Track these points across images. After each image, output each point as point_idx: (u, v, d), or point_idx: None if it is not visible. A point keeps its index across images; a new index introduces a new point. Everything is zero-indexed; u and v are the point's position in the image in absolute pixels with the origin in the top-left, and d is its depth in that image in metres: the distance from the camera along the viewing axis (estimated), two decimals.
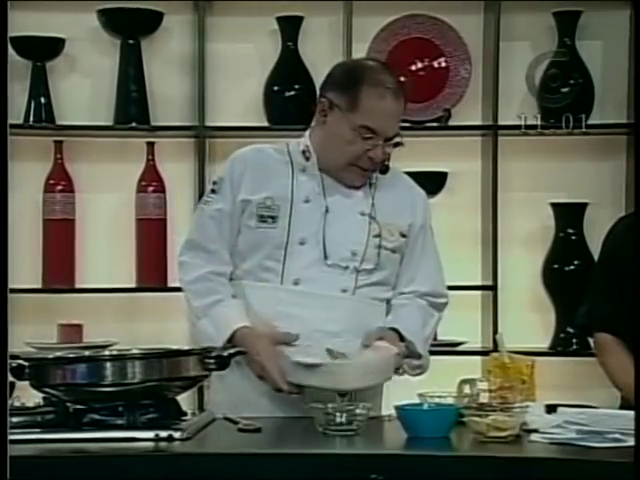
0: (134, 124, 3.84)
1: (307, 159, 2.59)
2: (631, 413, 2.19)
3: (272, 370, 2.45)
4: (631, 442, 2.02)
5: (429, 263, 2.66)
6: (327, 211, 2.56)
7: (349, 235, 2.56)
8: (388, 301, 2.64)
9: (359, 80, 2.52)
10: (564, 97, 3.84)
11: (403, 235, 2.61)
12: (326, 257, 2.54)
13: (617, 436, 2.06)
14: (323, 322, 2.51)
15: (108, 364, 2.16)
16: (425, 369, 2.59)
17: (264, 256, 2.55)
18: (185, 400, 2.33)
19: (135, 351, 2.23)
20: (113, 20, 3.84)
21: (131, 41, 3.85)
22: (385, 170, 2.60)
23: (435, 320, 2.66)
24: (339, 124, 2.53)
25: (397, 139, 2.55)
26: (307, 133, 2.64)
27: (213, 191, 2.62)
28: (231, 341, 2.49)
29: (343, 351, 2.44)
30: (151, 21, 3.86)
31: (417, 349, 2.54)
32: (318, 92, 2.64)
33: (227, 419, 2.33)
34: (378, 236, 2.57)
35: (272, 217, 2.55)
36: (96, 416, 2.15)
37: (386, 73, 2.56)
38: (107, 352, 2.29)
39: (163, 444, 2.07)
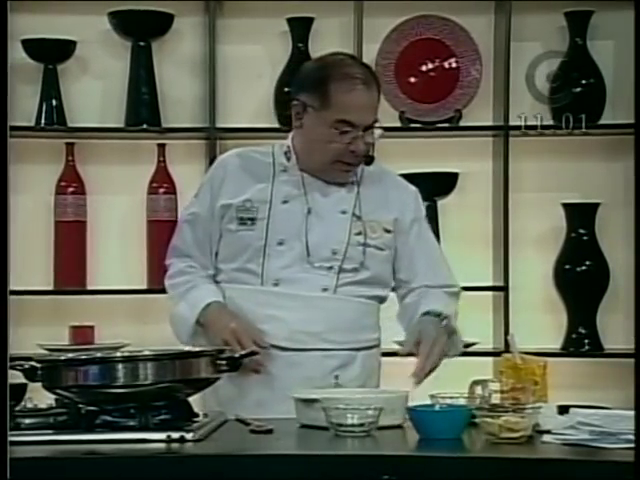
0: (145, 126, 3.84)
1: (288, 159, 2.61)
2: None
3: (242, 332, 2.46)
4: None
5: (429, 256, 2.65)
6: (309, 212, 2.57)
7: (330, 234, 2.57)
8: (382, 300, 2.63)
9: (327, 77, 2.52)
10: (575, 97, 3.83)
11: (387, 231, 2.60)
12: (309, 257, 2.54)
13: (630, 437, 2.05)
14: (304, 323, 2.51)
15: (120, 366, 2.16)
16: (460, 347, 2.57)
17: (245, 259, 2.56)
18: (197, 401, 2.33)
19: (147, 352, 2.22)
20: (124, 22, 3.84)
21: (142, 43, 3.86)
22: (370, 161, 2.59)
23: (454, 302, 2.64)
24: (315, 124, 2.54)
25: (377, 129, 2.55)
26: (290, 135, 2.65)
27: (195, 196, 2.67)
28: (202, 318, 2.54)
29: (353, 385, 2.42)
30: (162, 23, 3.87)
31: (452, 323, 2.52)
32: (291, 95, 2.63)
33: (239, 420, 2.33)
34: (360, 234, 2.57)
35: (251, 219, 2.56)
36: (108, 417, 2.15)
37: (353, 65, 2.56)
38: (119, 354, 2.29)
39: (175, 445, 2.07)
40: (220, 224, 2.59)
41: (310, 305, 2.52)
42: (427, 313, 2.53)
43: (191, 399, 2.27)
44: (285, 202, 2.57)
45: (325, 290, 2.55)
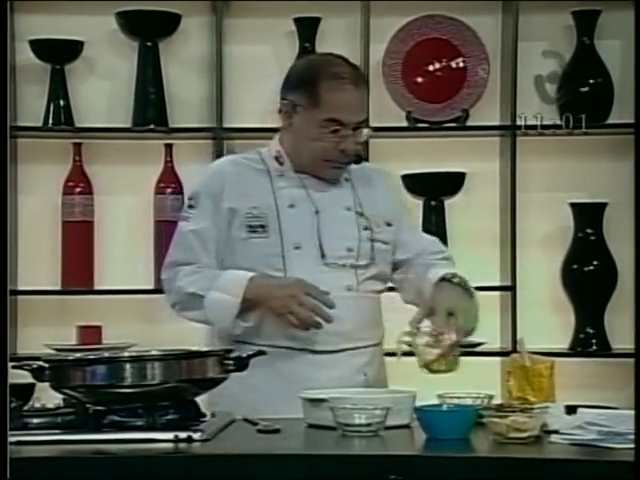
0: (152, 126, 3.85)
1: (281, 164, 2.60)
2: None
3: (298, 291, 2.42)
4: None
5: (416, 229, 2.80)
6: (317, 212, 2.57)
7: (342, 232, 2.57)
8: (379, 292, 2.64)
9: (316, 76, 2.53)
10: (583, 97, 3.83)
11: (388, 224, 2.62)
12: (323, 257, 2.54)
13: None
14: (335, 324, 2.49)
15: (127, 365, 2.16)
16: (477, 316, 2.54)
17: (263, 267, 2.53)
18: (204, 401, 2.33)
19: (154, 352, 2.22)
20: (131, 23, 3.85)
21: (149, 43, 3.86)
22: (359, 161, 2.61)
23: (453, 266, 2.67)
24: (305, 123, 2.55)
25: (365, 129, 2.57)
26: (277, 137, 2.65)
27: (190, 207, 2.60)
28: (249, 293, 2.47)
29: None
30: (169, 23, 3.87)
31: (469, 285, 2.51)
32: (279, 95, 2.63)
33: (246, 420, 2.33)
34: (367, 229, 2.59)
35: (262, 226, 2.55)
36: (115, 417, 2.15)
37: (342, 64, 2.58)
38: (126, 353, 2.29)
39: (182, 445, 2.07)
40: (229, 231, 2.56)
41: (339, 305, 2.49)
42: (440, 279, 2.51)
43: (199, 399, 2.27)
44: (292, 206, 2.57)
45: (349, 289, 2.55)
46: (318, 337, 2.52)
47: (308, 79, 2.55)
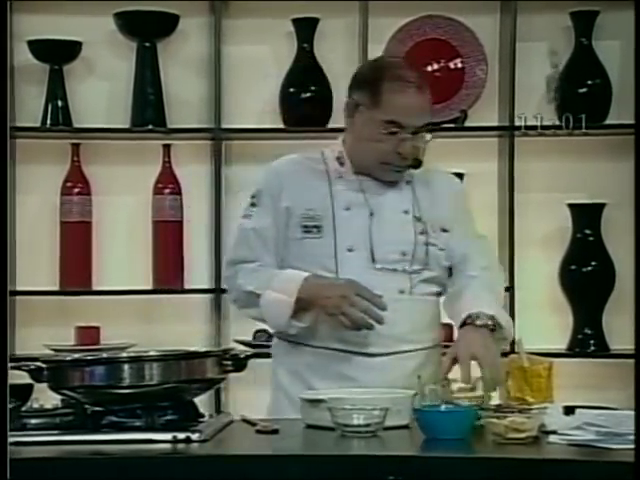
0: (150, 126, 3.85)
1: (342, 164, 2.61)
2: None
3: (350, 293, 2.41)
4: None
5: (479, 243, 2.67)
6: (372, 215, 2.57)
7: (397, 236, 2.57)
8: (435, 295, 2.62)
9: (380, 77, 2.55)
10: (581, 97, 3.83)
11: (444, 230, 2.61)
12: (374, 261, 2.54)
13: None
14: (389, 327, 2.48)
15: (126, 366, 2.16)
16: (510, 337, 2.52)
17: (316, 267, 2.54)
18: (203, 402, 2.33)
19: (152, 353, 2.22)
20: (129, 23, 3.84)
21: (147, 44, 3.86)
22: (417, 165, 2.59)
23: (500, 287, 2.64)
24: (365, 122, 2.55)
25: (427, 134, 2.56)
26: (340, 138, 2.66)
27: (253, 205, 2.62)
28: (303, 293, 2.46)
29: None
30: (167, 24, 3.87)
31: (500, 320, 2.47)
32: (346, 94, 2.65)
33: (245, 420, 2.33)
34: (423, 233, 2.58)
35: (316, 227, 2.56)
36: (114, 418, 2.15)
37: (407, 69, 2.59)
38: (125, 354, 2.29)
39: (181, 446, 2.07)
40: (285, 230, 2.57)
41: (392, 308, 2.48)
42: (466, 320, 2.47)
43: (197, 399, 2.27)
44: (347, 209, 2.57)
45: (402, 292, 2.54)
46: (371, 340, 2.51)
47: (372, 79, 2.56)
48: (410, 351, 2.55)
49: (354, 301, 2.44)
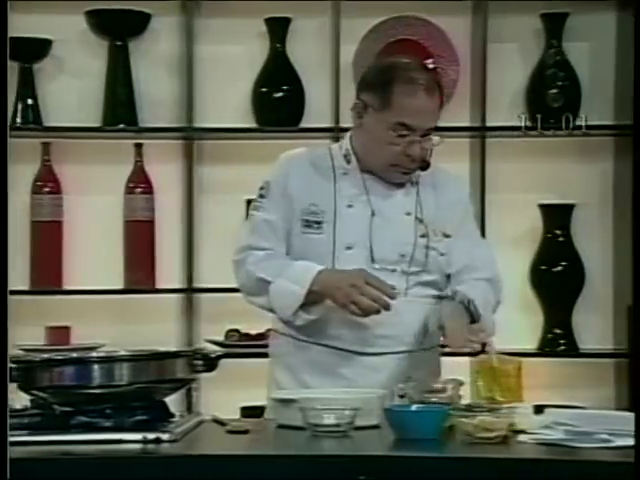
0: (122, 125, 3.83)
1: (348, 162, 2.61)
2: (619, 413, 2.20)
3: (362, 284, 2.41)
4: (619, 442, 2.02)
5: (483, 249, 2.67)
6: (373, 214, 2.56)
7: (397, 237, 2.56)
8: (432, 298, 2.61)
9: (390, 78, 2.54)
10: (551, 99, 3.85)
11: (446, 235, 2.61)
12: (373, 261, 2.53)
13: (605, 436, 2.06)
14: (385, 327, 2.49)
15: (96, 366, 2.15)
16: (491, 331, 2.53)
17: (314, 263, 2.53)
18: (173, 402, 2.33)
19: (123, 353, 2.22)
20: (101, 22, 3.83)
21: (119, 42, 3.85)
22: (426, 167, 2.59)
23: (497, 299, 2.63)
24: (374, 124, 2.55)
25: (435, 136, 2.56)
26: (348, 135, 2.65)
27: (262, 196, 2.62)
28: (316, 285, 2.46)
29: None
30: (139, 23, 3.86)
31: (479, 310, 2.49)
32: (355, 94, 2.64)
33: (215, 420, 2.33)
34: (424, 236, 2.58)
35: (317, 222, 2.55)
36: (84, 418, 2.14)
37: (418, 70, 2.58)
38: (95, 354, 2.28)
39: (151, 446, 2.06)
40: (291, 223, 2.57)
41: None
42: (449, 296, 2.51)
43: (168, 399, 2.26)
44: (350, 206, 2.57)
45: (398, 293, 2.52)
46: (366, 340, 2.52)
47: (383, 81, 2.55)
48: (404, 352, 2.56)
49: (364, 290, 2.44)
